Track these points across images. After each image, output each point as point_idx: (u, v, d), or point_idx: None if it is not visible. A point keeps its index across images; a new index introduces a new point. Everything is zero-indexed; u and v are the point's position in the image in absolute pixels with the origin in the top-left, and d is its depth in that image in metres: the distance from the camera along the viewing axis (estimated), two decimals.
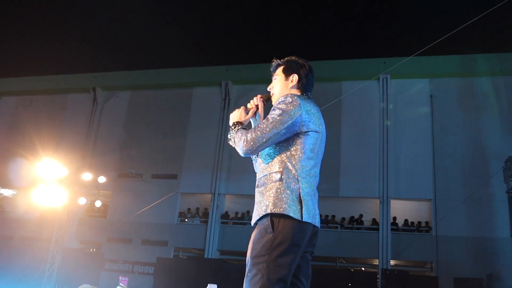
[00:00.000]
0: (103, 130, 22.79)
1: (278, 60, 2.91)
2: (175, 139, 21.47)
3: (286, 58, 2.90)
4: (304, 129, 2.54)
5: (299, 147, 2.54)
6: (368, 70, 19.28)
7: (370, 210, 19.46)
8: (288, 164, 2.51)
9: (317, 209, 2.59)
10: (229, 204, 21.01)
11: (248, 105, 2.87)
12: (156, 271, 17.45)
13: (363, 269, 19.88)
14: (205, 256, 19.12)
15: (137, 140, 21.81)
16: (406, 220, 18.70)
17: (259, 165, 2.69)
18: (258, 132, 2.47)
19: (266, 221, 2.43)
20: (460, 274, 15.96)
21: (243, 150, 2.52)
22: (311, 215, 2.47)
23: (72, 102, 23.83)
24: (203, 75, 22.20)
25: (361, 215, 19.12)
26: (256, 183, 2.68)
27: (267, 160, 2.60)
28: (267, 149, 2.59)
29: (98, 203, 16.87)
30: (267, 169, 2.58)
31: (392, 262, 18.14)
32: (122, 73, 23.62)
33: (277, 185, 2.48)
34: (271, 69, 2.94)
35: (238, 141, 2.54)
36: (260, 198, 2.58)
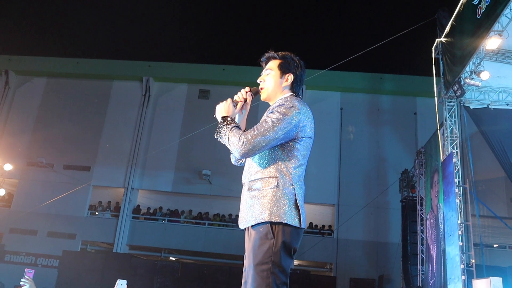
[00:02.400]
0: (14, 116, 21.26)
1: (273, 52, 2.70)
2: (91, 131, 20.58)
3: (282, 53, 2.70)
4: (300, 135, 2.45)
5: (293, 153, 2.45)
6: None
7: None
8: (284, 169, 2.42)
9: None
10: (142, 199, 20.51)
11: (236, 98, 2.64)
12: (61, 264, 16.55)
13: None
14: (114, 250, 18.50)
15: (50, 129, 20.59)
16: (311, 223, 19.36)
17: (250, 168, 2.52)
18: (258, 135, 2.32)
19: (266, 227, 2.33)
20: (356, 275, 16.82)
21: (242, 151, 2.32)
22: (304, 220, 2.45)
23: None
24: (125, 68, 21.50)
25: None
26: (247, 186, 2.50)
27: (260, 164, 2.46)
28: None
29: (1, 192, 15.71)
30: (260, 173, 2.44)
31: (296, 262, 18.69)
32: (39, 59, 22.18)
33: (273, 192, 2.37)
34: (262, 59, 2.73)
35: (236, 142, 2.34)
36: (252, 202, 2.41)
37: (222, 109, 2.53)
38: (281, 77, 2.64)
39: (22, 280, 3.74)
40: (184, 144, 19.65)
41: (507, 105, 10.90)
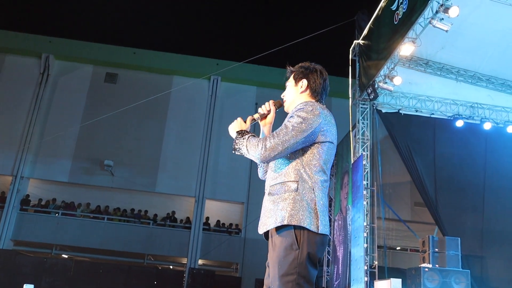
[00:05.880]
0: None
1: (290, 67, 2.86)
2: None
3: (299, 64, 2.84)
4: (322, 139, 2.53)
5: (314, 157, 2.51)
6: (201, 68, 19.66)
7: (185, 208, 19.80)
8: (304, 174, 2.48)
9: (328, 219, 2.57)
10: (33, 189, 19.33)
11: (260, 110, 2.82)
12: None
13: (171, 267, 20.09)
14: None
15: None
16: (218, 221, 19.46)
17: (271, 173, 2.63)
18: (278, 139, 2.42)
19: (290, 237, 2.39)
20: (262, 276, 16.92)
21: (261, 156, 2.44)
22: (326, 226, 2.47)
23: None
24: (21, 42, 20.05)
25: (173, 212, 19.34)
26: (267, 191, 2.61)
27: (281, 168, 2.55)
28: None
29: None
30: (281, 177, 2.53)
31: (200, 262, 18.70)
32: None
33: (293, 195, 2.44)
34: (285, 78, 2.90)
35: (254, 148, 2.45)
36: (271, 207, 2.52)
37: (236, 126, 2.68)
38: (296, 85, 2.78)
39: None
40: (85, 131, 18.83)
41: (416, 111, 11.72)
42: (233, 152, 2.60)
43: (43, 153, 19.02)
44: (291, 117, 2.54)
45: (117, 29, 28.02)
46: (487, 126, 11.49)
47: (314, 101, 2.71)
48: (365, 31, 11.52)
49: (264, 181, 2.84)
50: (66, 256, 18.84)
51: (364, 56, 11.52)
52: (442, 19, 8.22)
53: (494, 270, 10.53)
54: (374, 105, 11.55)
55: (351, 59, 12.12)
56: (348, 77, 12.10)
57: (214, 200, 19.79)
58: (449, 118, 11.64)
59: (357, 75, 11.80)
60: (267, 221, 2.53)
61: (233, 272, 19.21)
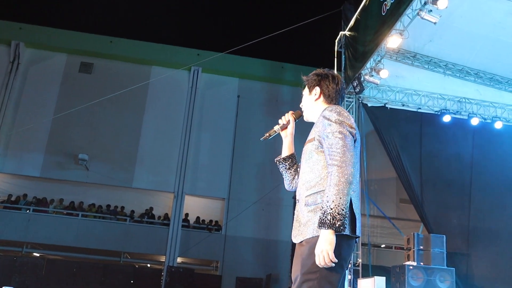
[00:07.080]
0: None
1: (304, 76, 2.97)
2: None
3: (312, 72, 2.92)
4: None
5: None
6: (180, 59, 19.52)
7: (163, 204, 19.69)
8: None
9: None
10: (2, 184, 18.99)
11: (280, 121, 2.99)
12: None
13: (148, 265, 20.01)
14: None
15: None
16: (198, 218, 19.42)
17: (305, 183, 2.63)
18: (340, 152, 2.42)
19: (317, 238, 2.40)
20: (243, 274, 17.24)
21: (349, 175, 2.39)
22: (359, 228, 2.52)
23: None
24: None
25: (151, 208, 19.22)
26: (303, 202, 2.60)
27: (315, 178, 2.57)
28: (313, 164, 2.60)
29: None
30: (317, 187, 2.55)
31: (179, 260, 18.65)
32: None
33: None
34: (302, 86, 3.01)
35: (338, 183, 2.36)
36: (310, 216, 2.51)
37: (330, 241, 2.34)
38: (310, 94, 2.92)
39: None
40: (59, 123, 18.56)
41: (403, 105, 11.81)
42: (341, 228, 2.34)
43: (13, 146, 18.71)
44: (329, 125, 2.54)
45: (92, 16, 27.63)
46: (474, 121, 11.63)
47: (332, 105, 2.75)
48: (352, 22, 11.55)
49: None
50: (37, 255, 18.61)
51: (350, 48, 11.55)
52: (431, 10, 8.29)
53: (480, 268, 10.70)
54: (360, 99, 11.61)
55: (337, 51, 12.14)
56: (333, 69, 12.14)
57: (194, 195, 19.70)
58: (436, 113, 11.76)
59: (342, 68, 11.83)
60: (306, 231, 2.53)
61: (213, 271, 19.21)
